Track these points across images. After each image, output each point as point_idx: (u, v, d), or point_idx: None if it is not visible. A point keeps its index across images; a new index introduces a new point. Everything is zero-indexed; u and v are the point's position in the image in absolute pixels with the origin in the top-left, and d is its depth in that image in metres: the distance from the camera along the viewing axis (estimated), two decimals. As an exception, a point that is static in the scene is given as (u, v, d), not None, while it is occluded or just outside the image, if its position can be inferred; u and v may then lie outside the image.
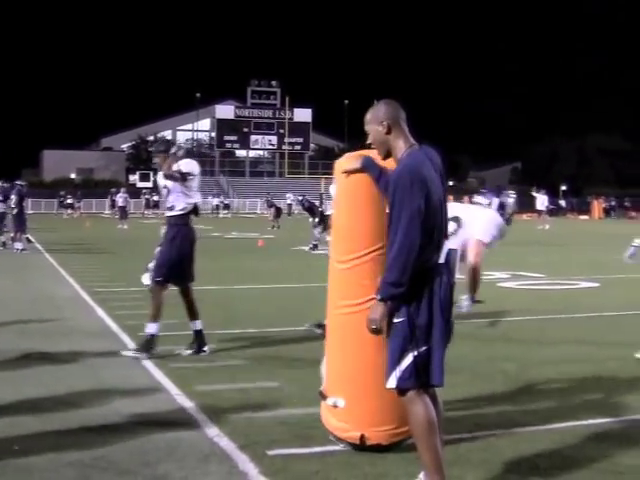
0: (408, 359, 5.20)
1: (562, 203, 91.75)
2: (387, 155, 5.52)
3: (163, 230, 10.27)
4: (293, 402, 7.77)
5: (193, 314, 10.28)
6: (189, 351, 10.04)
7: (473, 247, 9.09)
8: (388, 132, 5.45)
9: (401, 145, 5.42)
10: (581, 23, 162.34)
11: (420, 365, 5.19)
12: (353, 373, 6.32)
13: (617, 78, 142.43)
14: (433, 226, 5.21)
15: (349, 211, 6.35)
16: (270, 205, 54.78)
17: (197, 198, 10.35)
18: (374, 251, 6.11)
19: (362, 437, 6.30)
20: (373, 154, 5.89)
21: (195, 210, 10.37)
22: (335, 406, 6.39)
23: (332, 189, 11.02)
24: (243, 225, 53.30)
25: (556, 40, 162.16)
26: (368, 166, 5.91)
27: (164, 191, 10.31)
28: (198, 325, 10.27)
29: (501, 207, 9.09)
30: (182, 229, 10.15)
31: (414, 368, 5.20)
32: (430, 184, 5.20)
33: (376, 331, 5.20)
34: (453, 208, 8.62)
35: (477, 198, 8.88)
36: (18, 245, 27.42)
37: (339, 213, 6.56)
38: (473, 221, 9.20)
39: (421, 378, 5.22)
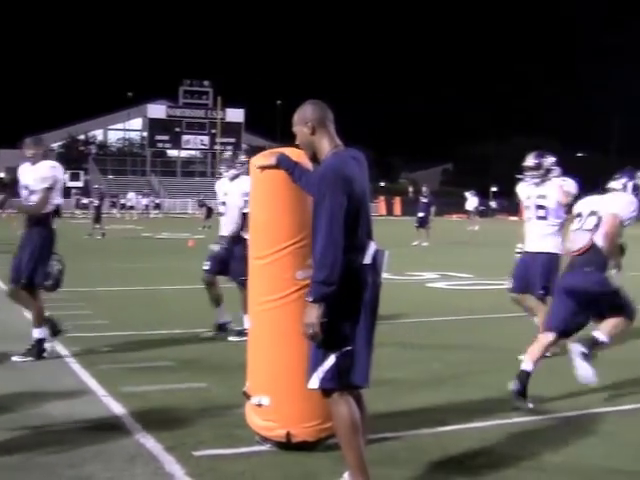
0: (330, 360, 5.22)
1: (492, 204, 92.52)
2: (314, 156, 5.54)
3: (21, 231, 10.08)
4: (220, 403, 7.76)
5: (39, 320, 9.91)
6: (20, 358, 9.66)
7: (607, 220, 8.36)
8: (313, 133, 5.46)
9: (326, 146, 5.44)
10: (511, 25, 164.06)
11: (342, 366, 5.21)
12: (277, 370, 6.33)
13: (546, 81, 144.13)
14: (357, 226, 5.23)
15: (266, 206, 6.34)
16: (201, 205, 54.55)
17: (59, 200, 10.20)
18: (293, 244, 6.13)
19: (288, 434, 6.32)
20: (294, 153, 5.95)
21: (57, 212, 10.23)
22: (260, 405, 6.41)
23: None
24: (174, 225, 52.99)
25: (487, 42, 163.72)
26: (282, 162, 5.94)
27: (25, 192, 10.07)
28: (39, 334, 9.83)
29: (635, 189, 8.85)
30: (43, 230, 9.95)
31: (336, 369, 5.21)
32: (354, 184, 5.22)
33: (314, 335, 5.12)
34: (590, 202, 8.64)
35: (611, 184, 8.78)
36: None
37: (256, 209, 6.55)
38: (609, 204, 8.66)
39: (343, 379, 5.24)
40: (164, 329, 11.78)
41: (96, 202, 42.12)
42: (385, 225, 47.60)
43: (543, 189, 10.43)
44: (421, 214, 36.24)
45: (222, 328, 11.29)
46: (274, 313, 6.24)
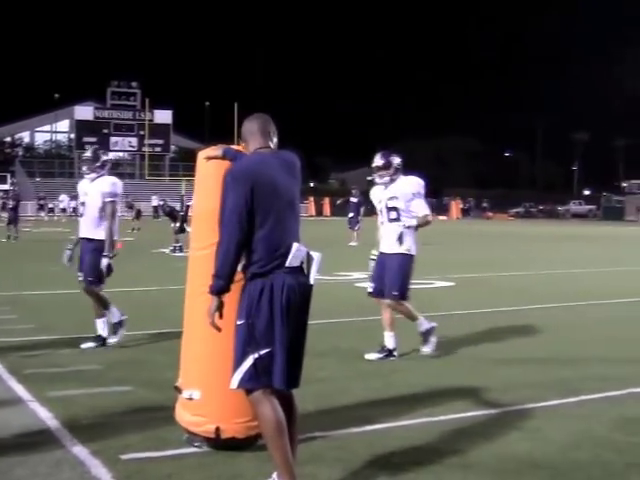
0: (249, 361, 5.28)
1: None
2: None
3: None
4: (147, 406, 7.73)
5: None
6: None
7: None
8: (246, 144, 5.71)
9: (251, 150, 5.64)
10: (429, 25, 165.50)
11: (260, 367, 5.26)
12: (209, 363, 6.35)
13: (470, 81, 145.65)
14: (270, 225, 5.30)
15: (210, 196, 6.36)
16: (130, 207, 54.18)
17: None
18: None
19: (217, 430, 6.33)
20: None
21: None
22: (190, 399, 6.41)
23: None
24: (103, 228, 52.52)
25: (410, 44, 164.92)
26: (227, 153, 6.04)
27: None
28: None
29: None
30: None
31: (254, 370, 5.27)
32: (264, 182, 5.32)
33: (212, 325, 5.36)
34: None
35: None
36: None
37: (200, 199, 6.64)
38: None
39: (262, 380, 5.28)
40: (90, 332, 11.66)
41: (11, 204, 40.85)
42: (315, 225, 47.72)
43: (392, 190, 10.38)
44: (351, 214, 36.42)
45: (121, 324, 10.99)
46: (207, 304, 6.25)
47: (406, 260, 10.21)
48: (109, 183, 11.04)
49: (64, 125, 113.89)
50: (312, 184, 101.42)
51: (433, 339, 10.43)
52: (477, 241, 41.10)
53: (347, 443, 6.69)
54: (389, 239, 10.31)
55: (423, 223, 10.30)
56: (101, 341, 10.70)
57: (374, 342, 10.91)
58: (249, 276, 5.35)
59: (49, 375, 9.07)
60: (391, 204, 10.31)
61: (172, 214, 31.00)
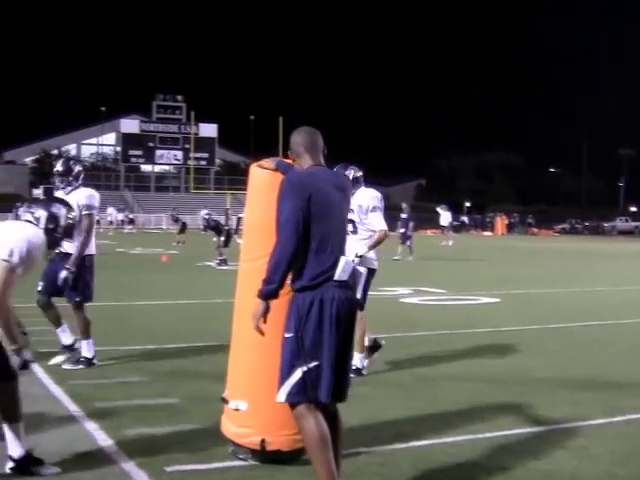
0: (297, 374, 5.28)
1: (465, 219, 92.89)
2: None
3: None
4: (192, 418, 7.74)
5: None
6: None
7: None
8: (297, 158, 5.70)
9: (304, 167, 5.64)
10: (475, 41, 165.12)
11: (308, 381, 5.26)
12: (256, 375, 6.36)
13: (514, 96, 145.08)
14: (319, 237, 5.32)
15: (262, 208, 6.40)
16: (175, 220, 54.38)
17: None
18: None
19: (263, 442, 6.33)
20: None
21: None
22: (237, 409, 6.42)
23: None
24: (148, 240, 52.86)
25: (456, 60, 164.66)
26: (280, 166, 6.13)
27: None
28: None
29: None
30: None
31: (302, 384, 5.27)
32: (318, 194, 5.34)
33: (256, 329, 5.39)
34: None
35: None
36: None
37: (251, 212, 6.68)
38: None
39: (309, 394, 5.28)
40: (136, 344, 11.73)
41: None
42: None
43: (354, 200, 9.82)
44: (401, 230, 36.48)
45: (71, 349, 10.43)
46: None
47: (366, 275, 9.99)
48: (85, 195, 10.37)
49: (110, 138, 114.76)
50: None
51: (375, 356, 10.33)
52: (523, 257, 40.83)
53: (391, 459, 6.66)
54: (348, 252, 10.10)
55: (377, 242, 9.95)
56: (69, 349, 10.38)
57: (417, 357, 10.89)
58: (298, 289, 5.35)
59: (95, 386, 9.12)
60: (349, 216, 10.05)
61: (217, 228, 31.12)
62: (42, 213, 6.21)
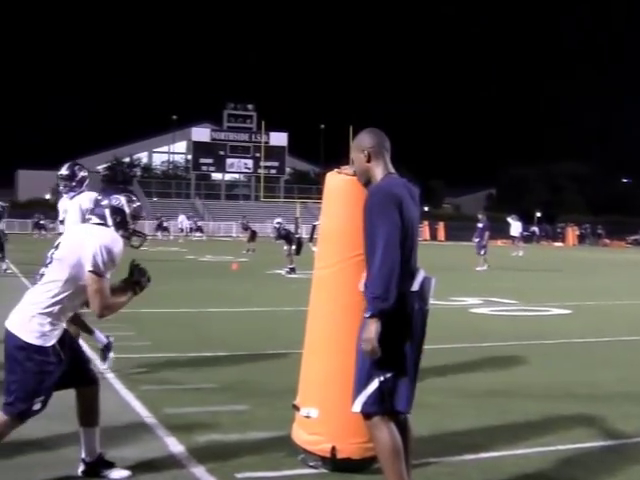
0: (374, 384, 5.25)
1: (535, 230, 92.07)
2: (367, 183, 5.61)
3: None
4: (262, 426, 7.76)
5: None
6: None
7: None
8: (368, 160, 5.55)
9: (379, 173, 5.53)
10: (550, 50, 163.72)
11: (385, 391, 5.24)
12: (329, 382, 6.37)
13: (582, 106, 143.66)
14: (407, 249, 5.28)
15: (335, 215, 6.45)
16: (245, 228, 54.60)
17: None
18: (360, 254, 5.91)
19: (333, 449, 6.34)
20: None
21: None
22: (308, 416, 6.43)
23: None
24: (218, 248, 53.15)
25: (527, 67, 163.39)
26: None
27: None
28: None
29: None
30: None
31: (379, 394, 5.24)
32: (405, 207, 5.28)
33: (372, 351, 5.12)
34: None
35: None
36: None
37: (326, 218, 6.68)
38: None
39: (386, 404, 5.26)
40: (206, 351, 11.81)
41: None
42: (430, 250, 47.49)
43: None
44: (477, 239, 36.33)
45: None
46: (332, 323, 6.29)
47: None
48: (89, 199, 9.92)
49: (181, 146, 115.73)
50: (426, 208, 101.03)
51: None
52: (594, 268, 40.38)
53: (460, 469, 6.63)
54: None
55: None
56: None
57: (487, 368, 10.84)
58: None
59: (166, 392, 9.21)
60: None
61: (288, 237, 31.23)
62: (104, 210, 6.26)
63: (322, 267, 6.55)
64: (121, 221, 6.26)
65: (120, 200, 6.33)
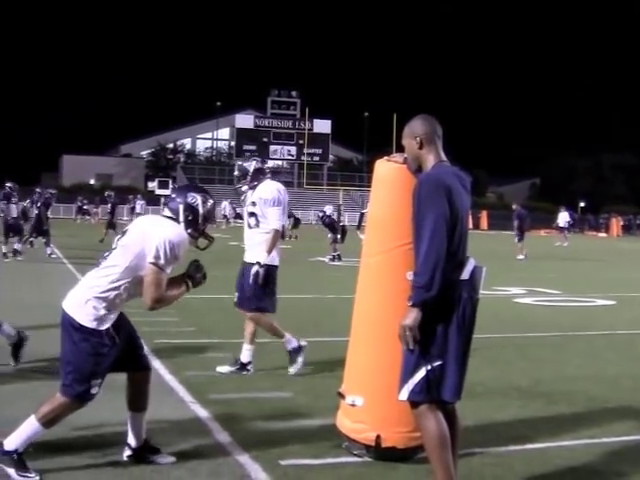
0: (421, 373, 5.24)
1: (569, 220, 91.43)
2: (418, 169, 5.58)
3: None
4: (306, 413, 7.79)
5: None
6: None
7: None
8: (420, 147, 5.50)
9: (431, 160, 5.47)
10: (595, 42, 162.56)
11: (433, 380, 5.23)
12: (374, 370, 6.37)
13: (630, 94, 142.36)
14: (456, 240, 5.25)
15: (384, 204, 6.44)
16: (289, 215, 54.51)
17: None
18: (407, 243, 5.94)
19: (378, 438, 6.33)
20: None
21: None
22: (353, 404, 6.42)
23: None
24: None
25: (571, 59, 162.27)
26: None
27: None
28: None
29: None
30: None
31: (426, 382, 5.24)
32: (455, 196, 5.26)
33: (409, 338, 5.15)
34: None
35: None
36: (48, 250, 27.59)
37: (375, 207, 6.67)
38: None
39: (432, 393, 5.25)
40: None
41: (109, 208, 40.46)
42: (473, 239, 47.22)
43: (253, 196, 9.68)
44: (516, 228, 36.27)
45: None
46: (379, 311, 6.29)
47: (265, 271, 9.60)
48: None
49: (225, 133, 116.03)
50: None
51: (300, 359, 9.79)
52: (639, 259, 40.03)
53: (506, 461, 6.60)
54: (250, 248, 9.81)
55: (272, 244, 9.56)
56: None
57: (532, 359, 10.78)
58: None
59: (210, 378, 9.24)
60: (250, 210, 9.72)
61: (332, 225, 31.27)
62: (179, 205, 6.28)
63: (370, 255, 6.53)
64: (193, 219, 6.27)
65: (196, 198, 6.34)
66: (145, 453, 6.27)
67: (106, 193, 43.99)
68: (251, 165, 9.91)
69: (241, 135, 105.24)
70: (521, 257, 34.21)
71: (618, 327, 14.56)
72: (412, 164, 5.63)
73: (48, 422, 5.92)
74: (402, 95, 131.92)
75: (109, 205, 40.15)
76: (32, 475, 5.83)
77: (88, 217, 70.86)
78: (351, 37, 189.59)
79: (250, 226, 9.79)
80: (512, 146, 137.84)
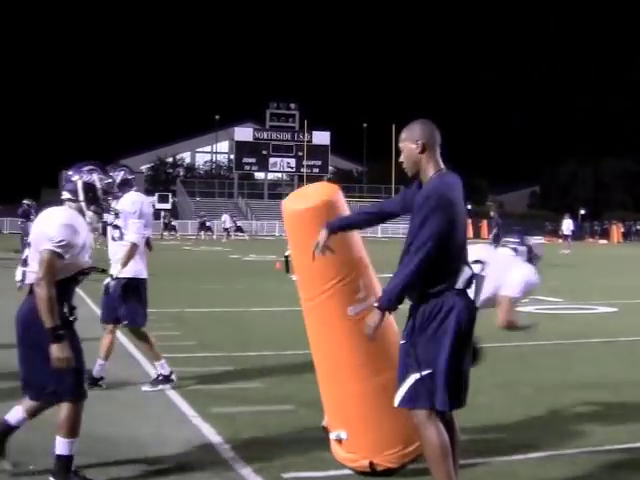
0: (409, 381, 5.27)
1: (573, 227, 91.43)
2: (415, 175, 5.52)
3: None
4: (308, 425, 7.75)
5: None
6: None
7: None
8: (421, 152, 5.44)
9: (431, 167, 5.43)
10: (594, 50, 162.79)
11: (421, 389, 5.23)
12: (345, 405, 6.30)
13: (631, 102, 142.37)
14: (451, 250, 5.24)
15: (305, 249, 6.02)
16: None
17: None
18: (337, 283, 6.02)
19: (371, 464, 6.28)
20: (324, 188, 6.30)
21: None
22: (339, 440, 6.36)
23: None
24: (261, 247, 53.21)
25: (571, 67, 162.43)
26: (331, 227, 5.71)
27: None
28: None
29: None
30: None
31: (414, 390, 5.25)
32: (457, 208, 5.26)
33: (370, 336, 5.29)
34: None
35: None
36: None
37: (296, 253, 6.39)
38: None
39: (421, 401, 5.25)
40: (252, 351, 11.82)
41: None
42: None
43: (117, 206, 9.02)
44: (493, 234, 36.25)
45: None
46: (335, 350, 6.25)
47: (132, 285, 9.42)
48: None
49: (224, 146, 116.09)
50: (469, 206, 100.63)
51: (161, 387, 9.40)
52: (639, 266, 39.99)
53: (509, 470, 6.59)
54: (115, 262, 9.50)
55: (127, 257, 9.29)
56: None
57: (534, 367, 10.76)
58: (418, 296, 5.31)
59: (212, 392, 9.23)
60: (114, 222, 9.30)
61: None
62: (76, 186, 6.28)
63: (308, 299, 6.32)
64: (93, 197, 6.32)
65: (91, 176, 6.36)
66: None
67: None
68: (119, 175, 9.53)
69: (240, 148, 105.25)
70: None
71: (621, 334, 14.53)
72: (410, 169, 5.53)
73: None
74: (401, 105, 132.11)
75: None
76: None
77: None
78: (349, 49, 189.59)
79: (114, 239, 9.58)
80: (512, 154, 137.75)
